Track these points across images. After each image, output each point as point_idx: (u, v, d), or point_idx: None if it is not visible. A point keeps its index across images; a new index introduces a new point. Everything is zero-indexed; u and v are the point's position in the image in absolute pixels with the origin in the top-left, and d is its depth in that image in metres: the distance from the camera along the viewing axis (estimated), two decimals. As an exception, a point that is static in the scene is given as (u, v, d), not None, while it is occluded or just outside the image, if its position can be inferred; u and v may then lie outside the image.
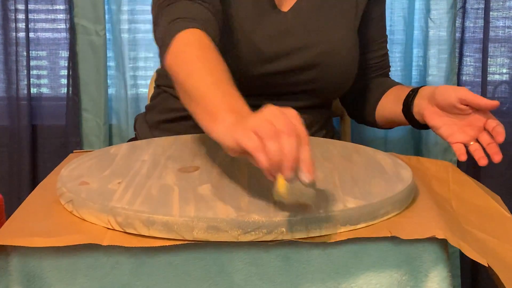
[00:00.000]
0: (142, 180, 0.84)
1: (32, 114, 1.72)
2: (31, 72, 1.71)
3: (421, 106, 1.08)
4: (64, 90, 1.72)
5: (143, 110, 1.40)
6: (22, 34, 1.68)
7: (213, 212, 0.73)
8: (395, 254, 0.75)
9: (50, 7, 1.70)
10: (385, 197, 0.79)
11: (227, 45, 1.13)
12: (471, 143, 1.01)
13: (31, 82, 1.71)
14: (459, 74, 1.72)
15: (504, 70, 1.74)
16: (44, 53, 1.72)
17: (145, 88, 1.69)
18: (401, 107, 1.14)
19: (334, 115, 1.44)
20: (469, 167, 1.65)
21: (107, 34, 1.67)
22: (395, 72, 1.69)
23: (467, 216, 0.89)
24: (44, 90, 1.74)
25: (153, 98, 1.34)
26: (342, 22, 1.21)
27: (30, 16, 1.69)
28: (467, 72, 1.73)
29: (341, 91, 1.26)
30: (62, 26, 1.70)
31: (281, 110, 0.69)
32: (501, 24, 1.71)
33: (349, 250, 0.74)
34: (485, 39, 1.69)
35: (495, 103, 0.97)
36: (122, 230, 0.73)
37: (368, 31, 1.27)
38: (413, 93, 1.11)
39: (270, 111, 0.69)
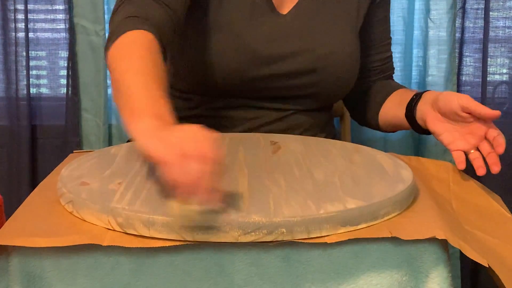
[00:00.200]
0: (142, 180, 0.84)
1: (32, 114, 1.72)
2: (30, 72, 1.71)
3: (423, 111, 1.07)
4: (63, 90, 1.72)
5: (142, 110, 1.39)
6: (21, 34, 1.68)
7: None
8: (396, 255, 0.75)
9: (49, 7, 1.70)
10: (385, 198, 0.79)
11: (222, 47, 1.12)
12: (472, 151, 1.01)
13: (30, 82, 1.71)
14: (459, 74, 1.72)
15: (504, 70, 1.74)
16: (43, 53, 1.72)
17: (145, 88, 1.68)
18: (404, 111, 1.14)
19: (334, 115, 1.44)
20: (469, 167, 1.65)
21: (106, 34, 1.67)
22: (395, 72, 1.68)
23: (467, 216, 0.89)
24: (44, 90, 1.74)
25: (152, 98, 1.34)
26: (342, 25, 1.20)
27: (30, 16, 1.69)
28: (467, 72, 1.73)
29: (341, 95, 1.25)
30: (62, 26, 1.70)
31: (200, 132, 0.70)
32: (501, 24, 1.71)
33: (349, 250, 0.74)
34: (485, 39, 1.69)
35: (497, 113, 0.97)
36: (123, 231, 0.73)
37: (371, 33, 1.27)
38: (417, 97, 1.11)
39: (189, 130, 0.71)
